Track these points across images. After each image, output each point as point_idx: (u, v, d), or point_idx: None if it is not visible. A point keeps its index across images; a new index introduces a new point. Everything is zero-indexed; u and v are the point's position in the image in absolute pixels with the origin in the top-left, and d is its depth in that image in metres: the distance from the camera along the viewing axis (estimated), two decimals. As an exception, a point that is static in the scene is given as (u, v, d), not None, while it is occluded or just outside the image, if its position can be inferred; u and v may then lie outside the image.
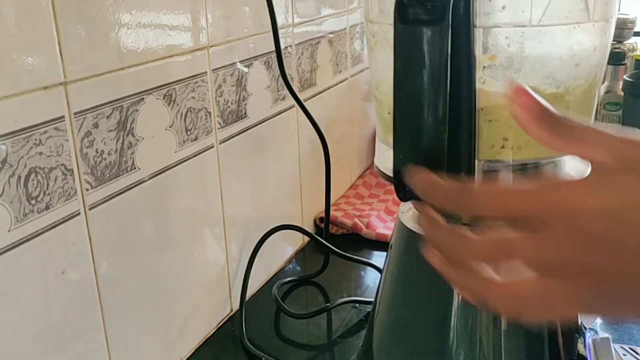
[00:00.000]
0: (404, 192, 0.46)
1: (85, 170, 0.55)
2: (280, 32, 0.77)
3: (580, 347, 0.57)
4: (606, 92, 1.23)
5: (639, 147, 0.33)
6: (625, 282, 0.33)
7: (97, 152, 0.56)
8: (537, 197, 0.34)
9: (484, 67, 0.46)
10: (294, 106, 0.90)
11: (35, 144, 0.50)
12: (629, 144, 0.33)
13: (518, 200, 0.34)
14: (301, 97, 0.82)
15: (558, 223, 0.33)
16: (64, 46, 0.51)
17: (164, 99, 0.64)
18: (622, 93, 1.21)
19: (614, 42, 1.12)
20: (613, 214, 0.32)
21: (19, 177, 0.49)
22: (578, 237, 0.33)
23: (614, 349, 0.56)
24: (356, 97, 1.15)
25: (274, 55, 0.79)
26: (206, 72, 0.70)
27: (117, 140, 0.59)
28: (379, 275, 0.83)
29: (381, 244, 0.96)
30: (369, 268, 0.90)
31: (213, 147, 0.73)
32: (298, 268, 0.94)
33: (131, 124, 0.60)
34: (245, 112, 0.79)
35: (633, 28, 1.31)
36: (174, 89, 0.65)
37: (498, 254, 0.36)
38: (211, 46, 0.71)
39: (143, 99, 0.61)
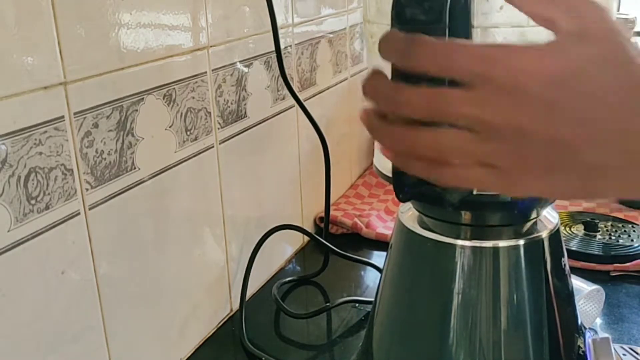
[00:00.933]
0: (404, 193, 0.46)
1: (85, 170, 0.55)
2: (280, 32, 0.77)
3: (580, 345, 0.57)
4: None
5: (599, 20, 0.34)
6: (557, 150, 0.33)
7: (97, 152, 0.56)
8: (483, 56, 0.34)
9: None
10: (294, 106, 0.90)
11: (35, 144, 0.50)
12: (593, 14, 0.34)
13: (464, 57, 0.34)
14: (301, 97, 0.82)
15: (500, 82, 0.33)
16: (64, 46, 0.51)
17: (163, 99, 0.64)
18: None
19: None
20: (556, 80, 0.32)
21: (19, 177, 0.49)
22: (518, 99, 0.33)
23: (614, 349, 0.56)
24: (356, 97, 1.15)
25: (274, 55, 0.79)
26: (206, 72, 0.70)
27: (117, 140, 0.59)
28: (379, 275, 0.83)
29: (381, 244, 0.96)
30: (369, 268, 0.90)
31: (213, 147, 0.73)
32: (298, 268, 0.94)
33: (131, 124, 0.60)
34: (245, 112, 0.79)
35: (633, 28, 1.30)
36: (174, 89, 0.65)
37: (431, 105, 0.35)
38: (211, 46, 0.71)
39: (143, 99, 0.61)
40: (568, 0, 0.34)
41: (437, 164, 0.36)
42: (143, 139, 0.62)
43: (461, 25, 0.40)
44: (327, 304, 0.81)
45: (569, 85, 0.33)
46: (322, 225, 0.92)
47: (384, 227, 1.01)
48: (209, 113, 0.72)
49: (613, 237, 0.92)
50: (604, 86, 0.33)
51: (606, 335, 0.58)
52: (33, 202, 0.50)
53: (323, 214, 0.90)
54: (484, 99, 0.34)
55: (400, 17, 0.39)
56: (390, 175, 0.53)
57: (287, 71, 0.80)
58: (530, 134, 0.33)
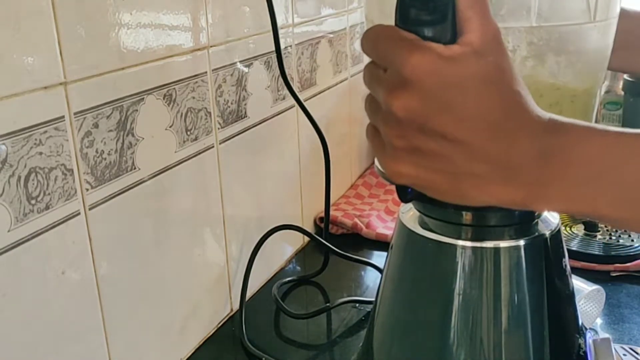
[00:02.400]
0: (406, 194, 0.46)
1: (85, 170, 0.55)
2: (280, 32, 0.77)
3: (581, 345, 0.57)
4: (606, 92, 1.23)
5: (496, 40, 0.38)
6: (451, 148, 0.37)
7: (97, 152, 0.56)
8: (395, 46, 0.38)
9: None
10: (294, 106, 0.90)
11: (35, 144, 0.50)
12: (494, 32, 0.38)
13: (382, 44, 0.39)
14: (301, 97, 0.82)
15: (401, 73, 0.37)
16: (64, 46, 0.51)
17: (164, 99, 0.64)
18: (622, 93, 1.21)
19: (614, 42, 1.12)
20: (446, 83, 0.36)
21: (19, 177, 0.49)
22: (414, 91, 0.37)
23: (614, 349, 0.56)
24: (356, 97, 1.15)
25: (274, 55, 0.79)
26: (206, 72, 0.70)
27: (117, 140, 0.58)
28: (379, 275, 0.83)
29: (381, 244, 0.96)
30: (369, 268, 0.90)
31: (213, 147, 0.73)
32: (298, 268, 0.94)
33: (131, 124, 0.60)
34: (245, 112, 0.79)
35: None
36: (174, 89, 0.65)
37: (370, 87, 0.41)
38: (211, 46, 0.71)
39: (143, 99, 0.61)
40: (485, 10, 0.38)
41: (379, 155, 0.41)
42: (143, 139, 0.62)
43: None
44: (327, 304, 0.81)
45: (455, 91, 0.36)
46: (322, 225, 0.92)
47: (384, 227, 1.00)
48: (209, 113, 0.72)
49: (613, 237, 0.92)
50: (484, 103, 0.37)
51: (607, 336, 0.58)
52: (33, 202, 0.50)
53: (323, 214, 0.90)
54: (389, 86, 0.38)
55: (404, 18, 0.39)
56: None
57: (287, 71, 0.80)
58: (425, 128, 0.37)
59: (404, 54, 0.37)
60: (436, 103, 0.37)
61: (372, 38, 0.40)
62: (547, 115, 0.38)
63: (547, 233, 0.52)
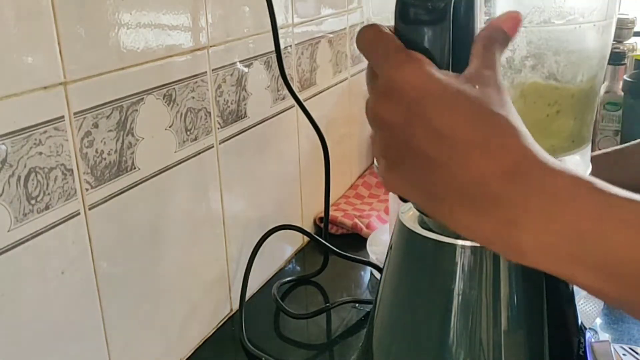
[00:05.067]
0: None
1: (85, 170, 0.55)
2: (280, 32, 0.77)
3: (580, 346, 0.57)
4: (606, 92, 1.23)
5: (493, 69, 0.38)
6: (426, 164, 0.36)
7: (97, 152, 0.56)
8: (384, 53, 0.38)
9: None
10: (293, 106, 0.90)
11: (35, 143, 0.50)
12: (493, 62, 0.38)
13: (376, 50, 0.39)
14: (301, 97, 0.82)
15: (386, 82, 0.37)
16: (64, 46, 0.51)
17: (163, 99, 0.64)
18: (622, 93, 1.21)
19: (614, 42, 1.12)
20: (436, 96, 0.36)
21: (19, 177, 0.49)
22: (394, 101, 0.37)
23: (614, 349, 0.56)
24: (356, 97, 1.15)
25: (273, 55, 0.79)
26: (206, 72, 0.70)
27: (117, 140, 0.58)
28: (379, 275, 0.83)
29: (381, 244, 0.96)
30: (369, 268, 0.90)
31: (213, 147, 0.73)
32: (298, 268, 0.94)
33: (131, 124, 0.60)
34: (245, 112, 0.79)
35: (633, 28, 1.31)
36: (174, 89, 0.65)
37: (367, 87, 0.41)
38: (211, 46, 0.71)
39: (143, 99, 0.61)
40: (492, 60, 0.38)
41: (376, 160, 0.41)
42: (143, 139, 0.62)
43: (464, 25, 0.40)
44: (327, 304, 0.81)
45: (437, 107, 0.36)
46: (322, 225, 0.92)
47: (384, 227, 1.01)
48: (209, 113, 0.72)
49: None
50: (462, 122, 0.35)
51: (606, 338, 0.58)
52: (33, 202, 0.50)
53: (323, 214, 0.90)
54: (378, 92, 0.38)
55: (403, 17, 0.39)
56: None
57: (287, 71, 0.80)
58: (409, 142, 0.36)
59: (397, 64, 0.37)
60: (419, 118, 0.36)
61: (369, 40, 0.39)
62: (535, 152, 0.35)
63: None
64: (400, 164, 0.38)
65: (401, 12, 0.39)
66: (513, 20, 0.39)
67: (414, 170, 0.37)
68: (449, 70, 0.39)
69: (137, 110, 0.60)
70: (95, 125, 0.56)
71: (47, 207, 0.52)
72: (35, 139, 0.50)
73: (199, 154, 0.71)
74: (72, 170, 0.54)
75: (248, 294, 0.81)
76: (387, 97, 0.37)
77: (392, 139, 0.37)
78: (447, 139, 0.35)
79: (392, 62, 0.37)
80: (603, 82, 1.21)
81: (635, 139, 0.83)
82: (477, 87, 0.36)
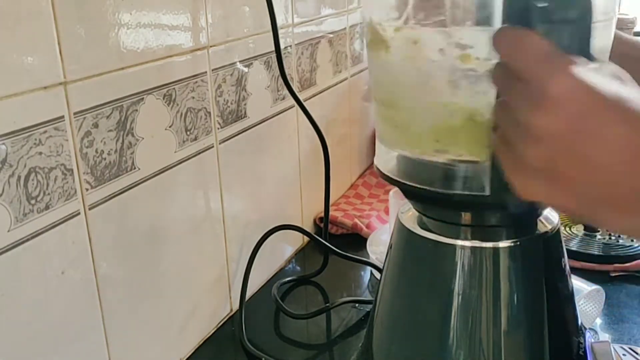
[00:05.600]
0: (519, 207, 0.45)
1: (85, 170, 0.55)
2: (280, 32, 0.77)
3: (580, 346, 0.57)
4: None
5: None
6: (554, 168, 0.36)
7: (97, 152, 0.56)
8: (541, 58, 0.36)
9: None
10: (293, 106, 0.90)
11: (35, 143, 0.50)
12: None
13: (526, 52, 0.37)
14: (301, 97, 0.82)
15: (541, 89, 0.35)
16: (64, 46, 0.51)
17: (163, 99, 0.64)
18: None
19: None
20: (595, 109, 0.35)
21: (19, 177, 0.49)
22: (566, 120, 0.35)
23: (614, 349, 0.56)
24: (356, 97, 1.15)
25: (273, 55, 0.79)
26: (206, 72, 0.70)
27: (117, 140, 0.59)
28: (379, 275, 0.83)
29: (381, 244, 0.96)
30: (368, 268, 0.90)
31: (213, 147, 0.73)
32: (298, 268, 0.94)
33: (131, 124, 0.60)
34: (245, 112, 0.79)
35: (633, 28, 1.31)
36: (174, 89, 0.65)
37: (504, 90, 0.39)
38: (211, 46, 0.71)
39: (143, 99, 0.61)
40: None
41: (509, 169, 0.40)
42: (143, 139, 0.62)
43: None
44: (327, 304, 0.81)
45: (598, 120, 0.35)
46: (322, 225, 0.92)
47: (383, 227, 1.00)
48: (209, 113, 0.72)
49: (613, 237, 0.92)
50: (628, 132, 0.34)
51: (606, 339, 0.58)
52: (33, 202, 0.50)
53: (323, 214, 0.90)
54: (531, 101, 0.36)
55: (543, 18, 0.37)
56: (390, 175, 0.53)
57: (287, 71, 0.80)
58: (568, 152, 0.35)
59: (551, 71, 0.35)
60: (584, 127, 0.35)
61: (514, 43, 0.37)
62: None
63: (547, 233, 0.52)
64: (551, 173, 0.36)
65: (540, 13, 0.37)
66: None
67: (571, 180, 0.36)
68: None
69: (137, 110, 0.60)
70: (95, 125, 0.56)
71: (47, 207, 0.52)
72: (35, 139, 0.50)
73: (199, 154, 0.71)
74: (72, 170, 0.54)
75: (248, 294, 0.81)
76: (545, 106, 0.35)
77: (548, 149, 0.36)
78: (614, 144, 0.35)
79: (547, 68, 0.36)
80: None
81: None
82: (624, 84, 0.36)
